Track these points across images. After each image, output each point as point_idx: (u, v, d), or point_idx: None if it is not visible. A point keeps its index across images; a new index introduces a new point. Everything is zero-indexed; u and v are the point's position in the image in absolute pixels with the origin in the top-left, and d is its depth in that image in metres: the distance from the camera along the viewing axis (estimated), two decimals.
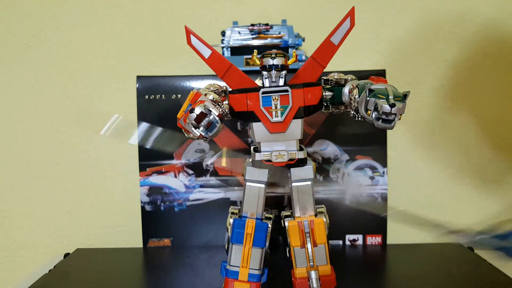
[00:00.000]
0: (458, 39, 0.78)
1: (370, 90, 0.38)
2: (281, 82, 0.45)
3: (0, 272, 0.83)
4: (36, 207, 0.81)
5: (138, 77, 0.74)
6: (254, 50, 0.47)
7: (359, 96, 0.40)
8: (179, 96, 0.73)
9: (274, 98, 0.44)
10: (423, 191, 0.80)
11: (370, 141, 0.72)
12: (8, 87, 0.80)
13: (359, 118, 0.43)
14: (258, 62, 0.46)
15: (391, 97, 0.37)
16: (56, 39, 0.80)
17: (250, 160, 0.47)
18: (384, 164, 0.72)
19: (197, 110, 0.40)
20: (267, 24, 0.70)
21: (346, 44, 0.45)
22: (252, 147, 0.48)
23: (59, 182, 0.81)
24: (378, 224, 0.73)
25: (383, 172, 0.72)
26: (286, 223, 0.46)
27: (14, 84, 0.80)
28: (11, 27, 0.80)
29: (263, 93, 0.44)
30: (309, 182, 0.46)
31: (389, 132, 0.74)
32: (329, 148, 0.73)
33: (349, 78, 0.46)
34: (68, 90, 0.80)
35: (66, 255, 0.73)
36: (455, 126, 0.79)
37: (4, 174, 0.81)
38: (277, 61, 0.44)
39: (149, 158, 0.73)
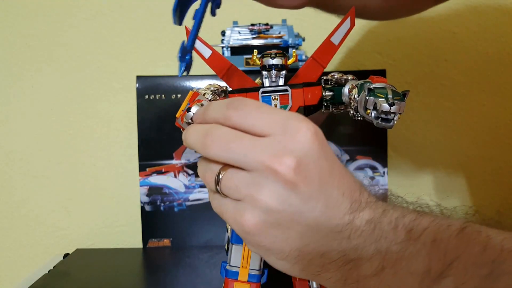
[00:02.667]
0: (459, 38, 0.78)
1: (369, 90, 0.38)
2: (281, 82, 0.45)
3: (0, 272, 0.83)
4: (36, 207, 0.81)
5: (138, 77, 0.73)
6: (254, 50, 0.47)
7: (359, 95, 0.40)
8: (179, 96, 0.73)
9: (273, 97, 0.44)
10: (423, 191, 0.80)
11: (370, 141, 0.72)
12: (9, 87, 0.80)
13: (359, 118, 0.43)
14: (258, 62, 0.46)
15: (390, 96, 0.37)
16: (56, 39, 0.80)
17: None
18: (384, 164, 0.72)
19: (194, 109, 0.40)
20: (267, 24, 0.69)
21: (346, 44, 0.45)
22: None
23: (59, 182, 0.81)
24: None
25: (383, 172, 0.72)
26: None
27: (14, 84, 0.80)
28: (11, 27, 0.80)
29: (262, 92, 0.44)
30: None
31: (389, 132, 0.74)
32: None
33: (349, 78, 0.46)
34: (68, 90, 0.80)
35: (66, 255, 0.72)
36: (455, 126, 0.79)
37: (4, 174, 0.81)
38: (277, 61, 0.44)
39: (149, 158, 0.73)
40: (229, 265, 0.47)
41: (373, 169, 0.72)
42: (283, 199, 0.28)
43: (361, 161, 0.72)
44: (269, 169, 0.27)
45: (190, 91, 0.43)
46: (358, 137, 0.72)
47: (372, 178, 0.72)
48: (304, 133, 0.28)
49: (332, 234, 0.29)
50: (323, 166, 0.29)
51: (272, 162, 0.27)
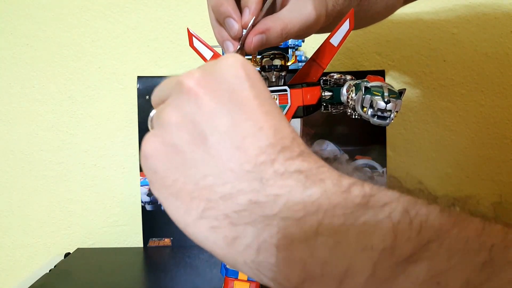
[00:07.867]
0: (457, 39, 0.78)
1: (366, 88, 0.38)
2: (281, 82, 0.45)
3: (1, 272, 0.83)
4: (37, 206, 0.82)
5: (139, 78, 0.74)
6: None
7: (356, 94, 0.40)
8: None
9: (273, 97, 0.44)
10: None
11: (369, 141, 0.73)
12: (9, 87, 0.81)
13: (356, 116, 0.44)
14: (258, 63, 0.46)
15: (386, 94, 0.37)
16: (57, 40, 0.80)
17: None
18: (383, 164, 0.73)
19: None
20: None
21: (345, 45, 0.45)
22: None
23: (60, 182, 0.81)
24: None
25: (382, 172, 0.73)
26: None
27: (15, 84, 0.81)
28: (12, 28, 0.80)
29: None
30: None
31: (388, 132, 0.74)
32: (328, 148, 0.73)
33: (348, 78, 0.47)
34: (69, 90, 0.81)
35: (67, 254, 0.73)
36: (453, 126, 0.79)
37: (5, 173, 0.82)
38: (277, 62, 0.44)
39: None
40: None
41: (372, 168, 0.73)
42: (184, 111, 0.25)
43: (360, 161, 0.73)
44: (178, 83, 0.26)
45: None
46: (357, 137, 0.73)
47: (371, 178, 0.73)
48: (229, 60, 0.26)
49: (239, 171, 0.23)
50: (242, 93, 0.25)
51: (183, 76, 0.26)
